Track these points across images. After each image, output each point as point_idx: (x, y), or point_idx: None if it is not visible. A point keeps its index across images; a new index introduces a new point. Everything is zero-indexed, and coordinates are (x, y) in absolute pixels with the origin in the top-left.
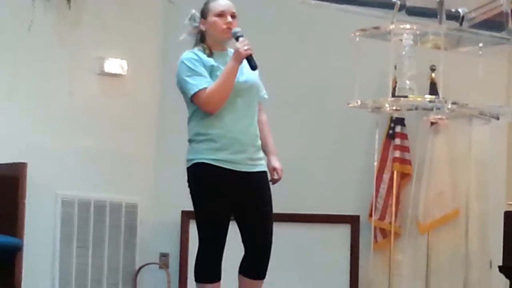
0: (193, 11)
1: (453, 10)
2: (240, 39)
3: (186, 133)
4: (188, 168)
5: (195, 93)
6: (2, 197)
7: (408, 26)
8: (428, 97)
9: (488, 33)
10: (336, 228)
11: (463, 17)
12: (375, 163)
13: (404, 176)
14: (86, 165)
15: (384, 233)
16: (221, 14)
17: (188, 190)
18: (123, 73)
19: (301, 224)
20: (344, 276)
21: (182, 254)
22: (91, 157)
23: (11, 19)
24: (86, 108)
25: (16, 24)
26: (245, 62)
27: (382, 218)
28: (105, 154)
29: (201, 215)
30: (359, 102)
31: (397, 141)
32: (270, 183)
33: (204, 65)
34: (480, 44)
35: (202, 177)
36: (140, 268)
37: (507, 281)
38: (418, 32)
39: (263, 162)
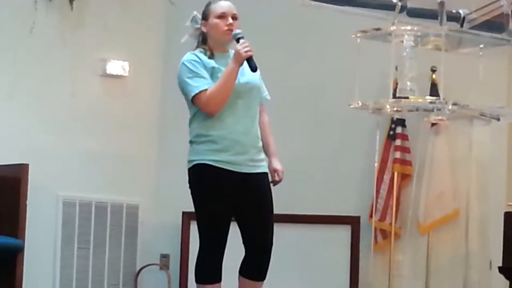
0: (195, 13)
1: (453, 11)
2: (241, 40)
3: (187, 134)
4: (189, 169)
5: (196, 95)
6: (3, 198)
7: (409, 27)
8: (429, 98)
9: (488, 34)
10: (337, 229)
11: (463, 18)
12: (376, 164)
13: (405, 177)
14: (87, 167)
15: (385, 234)
16: (222, 16)
17: (189, 191)
18: (124, 75)
19: (302, 225)
20: (345, 276)
21: (183, 255)
22: (92, 159)
23: (13, 20)
24: (88, 109)
25: (18, 26)
26: (246, 63)
27: (382, 219)
28: (106, 155)
29: (202, 216)
30: (360, 103)
31: (398, 142)
32: (271, 184)
33: (205, 67)
34: (481, 45)
35: (203, 178)
36: (141, 269)
37: (507, 282)
38: (419, 34)
39: (264, 163)
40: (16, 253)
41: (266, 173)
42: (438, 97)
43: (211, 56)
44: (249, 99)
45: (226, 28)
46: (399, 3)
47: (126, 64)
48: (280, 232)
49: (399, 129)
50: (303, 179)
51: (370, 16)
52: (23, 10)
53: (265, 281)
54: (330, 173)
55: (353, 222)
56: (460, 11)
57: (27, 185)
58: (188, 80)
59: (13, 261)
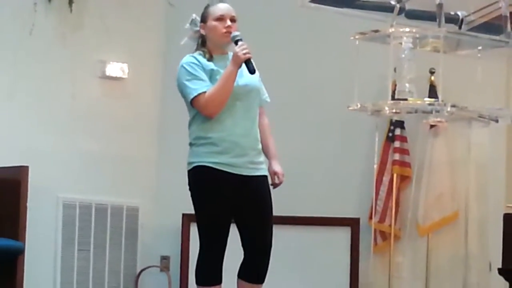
0: (194, 15)
1: (452, 13)
2: (239, 43)
3: (187, 136)
4: (189, 171)
5: (195, 97)
6: (3, 200)
7: (407, 29)
8: (428, 100)
9: (487, 36)
10: (336, 230)
11: (462, 20)
12: (375, 166)
13: (404, 179)
14: (87, 168)
15: (384, 235)
16: (220, 18)
17: (189, 193)
18: (124, 76)
19: (301, 226)
20: (344, 278)
21: (183, 257)
22: (92, 161)
23: (13, 22)
24: (88, 111)
25: (18, 27)
26: (244, 65)
27: (382, 220)
28: (106, 157)
29: (202, 218)
30: (359, 105)
31: (397, 144)
32: (271, 187)
33: (204, 69)
34: (479, 47)
35: (203, 180)
36: (141, 271)
37: (507, 283)
38: (417, 35)
39: (264, 166)
40: (16, 255)
41: (265, 176)
42: (436, 99)
43: (210, 59)
44: (248, 101)
45: (224, 30)
46: (398, 5)
47: (125, 66)
48: (280, 234)
49: (398, 131)
50: (302, 181)
51: (368, 18)
52: (23, 11)
53: (265, 283)
54: (330, 175)
55: (352, 223)
56: (459, 13)
57: (27, 187)
58: (187, 83)
59: (14, 263)
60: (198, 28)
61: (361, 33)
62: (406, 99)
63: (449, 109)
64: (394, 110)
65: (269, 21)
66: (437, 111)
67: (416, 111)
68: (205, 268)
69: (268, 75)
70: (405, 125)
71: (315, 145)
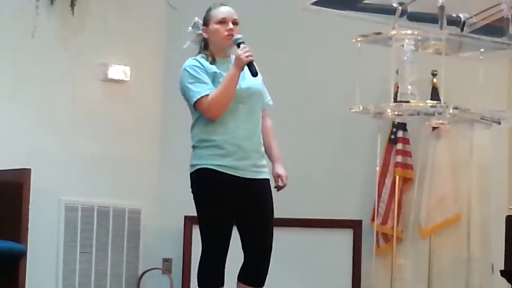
0: (196, 19)
1: (454, 15)
2: (242, 45)
3: (189, 138)
4: (191, 174)
5: (198, 100)
6: (6, 203)
7: (409, 31)
8: (430, 102)
9: (489, 38)
10: (339, 232)
11: (464, 22)
12: (377, 168)
13: (406, 181)
14: (89, 171)
15: (386, 237)
16: (222, 21)
17: (191, 195)
18: (126, 79)
19: (304, 228)
20: (347, 280)
21: (185, 260)
22: (94, 163)
23: (15, 24)
24: (90, 114)
25: (20, 30)
26: (247, 68)
27: (384, 222)
28: (108, 159)
29: (204, 220)
30: (361, 108)
31: (399, 146)
32: (275, 189)
33: (207, 72)
34: (481, 49)
35: (206, 182)
36: (143, 273)
37: (509, 286)
38: (419, 38)
39: (266, 169)
40: (18, 257)
41: (268, 179)
42: (439, 101)
43: (212, 62)
44: (251, 104)
45: (226, 33)
46: (400, 8)
47: (127, 69)
48: (282, 236)
49: (400, 133)
50: (305, 183)
51: (370, 21)
52: (25, 14)
53: (267, 285)
54: (332, 177)
55: (355, 226)
56: (461, 15)
57: (29, 189)
58: (189, 86)
59: (16, 265)
60: (200, 32)
61: (363, 36)
62: (408, 101)
63: (451, 111)
64: (396, 112)
65: (271, 23)
66: (439, 113)
67: (418, 113)
68: (207, 271)
69: (270, 78)
70: (407, 127)
71: (317, 147)
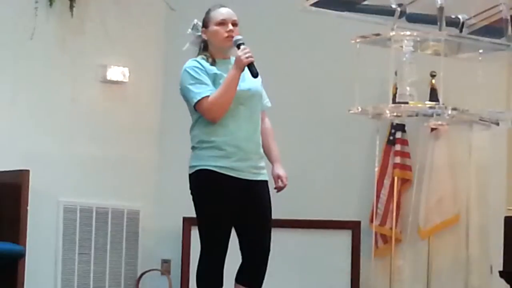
0: (195, 20)
1: (453, 16)
2: (242, 46)
3: (188, 140)
4: (191, 175)
5: (198, 101)
6: (4, 204)
7: (408, 32)
8: (429, 103)
9: (487, 39)
10: (337, 233)
11: (463, 23)
12: (376, 169)
13: (405, 182)
14: (88, 172)
15: (385, 238)
16: (222, 23)
17: (190, 196)
18: (125, 81)
19: (302, 230)
20: (345, 281)
21: (184, 261)
22: (93, 164)
23: (14, 27)
24: (88, 115)
25: (19, 31)
26: (247, 69)
27: (383, 223)
28: (107, 161)
29: (203, 221)
30: (360, 109)
31: (398, 147)
32: (275, 191)
33: (207, 73)
34: (480, 50)
35: (205, 183)
36: (142, 274)
37: (508, 286)
38: (418, 39)
39: (265, 171)
40: (17, 259)
41: (266, 181)
42: (437, 102)
43: (212, 63)
44: (251, 105)
45: (226, 34)
46: (399, 9)
47: (126, 70)
48: (281, 237)
49: (399, 134)
50: (303, 184)
51: (369, 22)
52: (24, 16)
53: (267, 286)
54: (331, 178)
55: (353, 227)
56: (459, 16)
57: (28, 191)
58: (190, 87)
59: (14, 267)
60: (200, 33)
61: (362, 37)
62: (407, 103)
63: (450, 112)
64: (395, 114)
65: (270, 24)
66: (438, 114)
67: (417, 114)
68: (206, 272)
69: (269, 79)
70: (406, 128)
71: (315, 148)
